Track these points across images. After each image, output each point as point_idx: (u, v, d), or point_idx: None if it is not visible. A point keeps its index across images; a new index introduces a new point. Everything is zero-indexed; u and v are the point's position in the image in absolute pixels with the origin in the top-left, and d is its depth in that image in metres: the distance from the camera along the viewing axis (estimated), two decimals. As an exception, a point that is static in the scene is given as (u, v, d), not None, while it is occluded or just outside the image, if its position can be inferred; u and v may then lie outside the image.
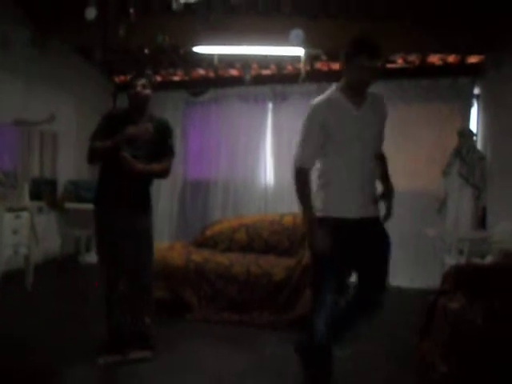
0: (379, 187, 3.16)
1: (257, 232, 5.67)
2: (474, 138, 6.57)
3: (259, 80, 7.63)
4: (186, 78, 8.29)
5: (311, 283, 3.40)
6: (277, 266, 4.91)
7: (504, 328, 2.92)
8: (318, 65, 7.46)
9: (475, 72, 6.88)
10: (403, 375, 3.58)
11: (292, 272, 4.77)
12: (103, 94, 8.23)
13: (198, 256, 5.16)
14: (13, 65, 6.18)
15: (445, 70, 7.08)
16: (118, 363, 3.60)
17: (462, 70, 6.98)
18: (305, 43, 5.76)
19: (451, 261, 5.51)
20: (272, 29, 5.86)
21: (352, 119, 2.92)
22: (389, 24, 5.71)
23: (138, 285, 3.73)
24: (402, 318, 4.86)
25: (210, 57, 6.87)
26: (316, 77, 7.39)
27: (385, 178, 3.18)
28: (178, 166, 8.00)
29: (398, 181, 7.29)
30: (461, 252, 5.77)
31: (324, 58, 7.16)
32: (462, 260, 5.42)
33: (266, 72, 7.81)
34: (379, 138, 3.07)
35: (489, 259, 4.91)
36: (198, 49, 6.32)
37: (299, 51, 6.33)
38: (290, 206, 7.37)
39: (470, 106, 7.04)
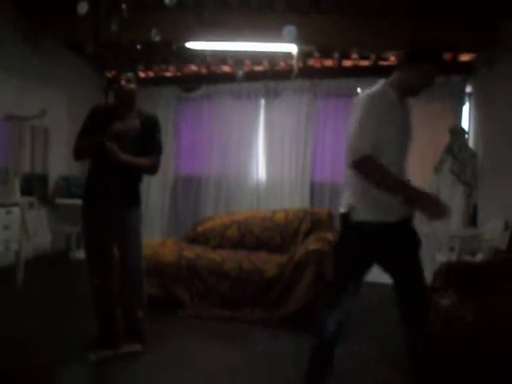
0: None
1: (248, 228, 5.67)
2: (466, 135, 6.59)
3: (252, 76, 7.63)
4: (179, 73, 8.27)
5: (332, 281, 3.30)
6: (268, 263, 4.91)
7: (494, 325, 2.94)
8: (311, 61, 7.46)
9: (467, 70, 6.90)
10: (395, 374, 3.58)
11: (284, 268, 4.78)
12: (95, 90, 8.20)
13: (190, 252, 5.16)
14: (6, 62, 6.15)
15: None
16: (109, 358, 3.60)
17: (454, 68, 6.99)
18: (297, 39, 5.75)
19: (442, 258, 5.53)
20: (265, 25, 5.85)
21: (399, 119, 2.80)
22: (382, 20, 5.72)
23: (128, 280, 3.72)
24: (394, 315, 4.87)
25: (202, 53, 6.86)
26: (309, 73, 7.41)
27: None
28: (169, 162, 8.00)
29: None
30: (452, 249, 5.80)
31: (317, 54, 7.16)
32: (453, 257, 5.45)
33: (258, 68, 7.80)
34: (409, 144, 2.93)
35: (479, 257, 4.94)
36: (190, 44, 6.30)
37: (292, 47, 6.33)
38: (282, 203, 7.41)
39: (462, 103, 7.07)
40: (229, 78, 7.71)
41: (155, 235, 7.58)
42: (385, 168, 2.65)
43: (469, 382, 2.92)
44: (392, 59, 7.05)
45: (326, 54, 7.15)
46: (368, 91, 2.81)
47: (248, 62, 7.60)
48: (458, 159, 6.24)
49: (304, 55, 7.10)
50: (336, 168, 7.55)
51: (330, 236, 5.07)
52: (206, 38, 6.05)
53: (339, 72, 7.46)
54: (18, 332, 4.09)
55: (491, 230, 5.09)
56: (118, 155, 3.45)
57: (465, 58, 6.88)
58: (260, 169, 7.92)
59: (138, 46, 6.79)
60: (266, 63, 7.67)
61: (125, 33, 5.59)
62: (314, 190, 7.65)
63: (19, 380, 3.32)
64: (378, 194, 2.70)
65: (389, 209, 2.75)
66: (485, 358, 2.88)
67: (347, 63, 7.36)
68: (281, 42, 5.92)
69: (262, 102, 7.94)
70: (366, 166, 2.66)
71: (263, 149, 7.92)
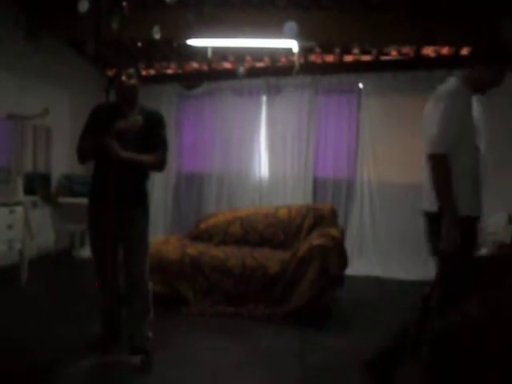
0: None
1: (251, 225, 5.67)
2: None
3: (253, 73, 7.61)
4: (180, 71, 8.27)
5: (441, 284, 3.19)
6: (272, 259, 4.91)
7: (498, 320, 2.93)
8: (312, 57, 7.45)
9: (467, 65, 6.87)
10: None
11: (287, 265, 4.78)
12: (96, 88, 8.20)
13: (193, 249, 5.16)
14: (7, 61, 6.16)
15: (439, 62, 7.08)
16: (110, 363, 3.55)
17: (456, 62, 6.97)
18: (299, 35, 5.74)
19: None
20: (266, 21, 5.84)
21: (471, 117, 2.85)
22: (383, 16, 5.71)
23: (132, 290, 3.58)
24: (397, 310, 4.88)
25: (203, 50, 6.85)
26: (310, 69, 7.40)
27: None
28: (172, 160, 7.98)
29: (394, 173, 7.38)
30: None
31: (318, 50, 7.15)
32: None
33: (259, 65, 7.79)
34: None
35: (483, 251, 4.93)
36: (191, 42, 6.29)
37: (293, 44, 6.32)
38: (285, 199, 7.41)
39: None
40: (230, 74, 7.70)
41: (158, 233, 7.59)
42: (448, 175, 2.76)
43: (472, 377, 2.91)
44: (394, 54, 7.04)
45: (327, 49, 7.13)
46: (445, 87, 2.89)
47: (249, 59, 7.60)
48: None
49: (305, 51, 7.10)
50: (338, 164, 7.55)
51: (333, 231, 5.07)
52: (207, 35, 6.04)
53: (340, 67, 7.45)
54: (20, 331, 4.09)
55: (495, 224, 5.08)
56: (118, 152, 3.34)
57: (466, 52, 6.85)
58: (262, 165, 7.91)
59: (139, 44, 6.79)
60: (267, 59, 7.66)
61: (126, 31, 5.60)
62: (317, 186, 7.65)
63: (19, 379, 3.30)
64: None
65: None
66: (488, 353, 2.87)
67: (348, 58, 7.35)
68: (282, 38, 5.91)
69: (264, 98, 7.92)
70: (438, 165, 2.77)
71: (265, 145, 7.91)
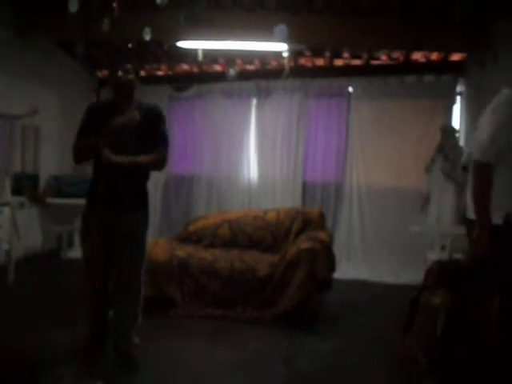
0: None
1: (240, 228, 5.67)
2: (457, 134, 6.62)
3: (243, 75, 7.61)
4: (170, 72, 8.26)
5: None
6: (260, 262, 4.91)
7: (484, 322, 2.94)
8: (302, 60, 7.47)
9: (458, 70, 6.94)
10: (383, 373, 3.59)
11: (275, 268, 4.78)
12: (86, 89, 8.16)
13: (182, 251, 5.14)
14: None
15: (428, 67, 7.13)
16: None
17: (445, 68, 7.03)
18: (289, 38, 5.75)
19: (433, 256, 5.55)
20: (256, 24, 5.84)
21: None
22: (373, 20, 5.73)
23: (126, 293, 3.52)
24: (385, 314, 4.90)
25: (194, 52, 6.85)
26: (300, 72, 7.43)
27: None
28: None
29: (383, 177, 7.42)
30: (443, 248, 5.81)
31: (308, 53, 7.17)
32: (445, 256, 5.46)
33: (250, 67, 7.81)
34: None
35: (471, 255, 4.94)
36: (182, 43, 6.28)
37: (283, 47, 6.33)
38: (274, 202, 7.42)
39: (452, 103, 7.12)
40: (220, 77, 7.70)
41: (147, 234, 7.55)
42: (489, 187, 2.73)
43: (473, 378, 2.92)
44: (384, 59, 7.07)
45: (317, 53, 7.16)
46: (500, 98, 2.84)
47: (239, 62, 7.60)
48: (449, 159, 6.26)
49: (295, 54, 7.11)
50: (327, 167, 7.58)
51: (322, 235, 5.07)
52: (198, 37, 6.04)
53: (331, 71, 7.48)
54: (6, 332, 4.03)
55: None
56: (110, 158, 3.25)
57: (455, 57, 6.91)
58: (252, 168, 7.92)
59: (130, 45, 6.76)
60: (257, 62, 7.67)
61: (116, 32, 5.58)
62: (306, 189, 7.66)
63: (3, 380, 3.25)
64: None
65: None
66: (476, 356, 2.89)
67: (339, 62, 7.38)
68: (272, 41, 5.92)
69: (254, 101, 7.94)
70: (478, 175, 2.77)
71: (255, 148, 7.93)
